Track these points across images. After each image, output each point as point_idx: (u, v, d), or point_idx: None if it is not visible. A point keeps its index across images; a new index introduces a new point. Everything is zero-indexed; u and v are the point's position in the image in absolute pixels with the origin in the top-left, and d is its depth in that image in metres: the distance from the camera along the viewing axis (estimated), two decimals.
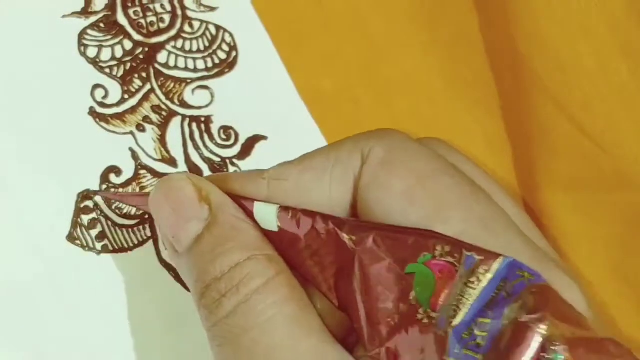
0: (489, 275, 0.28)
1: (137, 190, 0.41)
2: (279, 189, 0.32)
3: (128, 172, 0.42)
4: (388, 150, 0.32)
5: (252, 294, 0.30)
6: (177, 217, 0.32)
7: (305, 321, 0.30)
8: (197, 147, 0.42)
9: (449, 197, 0.30)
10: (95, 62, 0.42)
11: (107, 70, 0.42)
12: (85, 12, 0.43)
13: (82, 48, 0.42)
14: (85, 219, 0.41)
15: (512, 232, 0.31)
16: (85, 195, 0.41)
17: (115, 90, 0.42)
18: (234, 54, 0.44)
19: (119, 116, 0.42)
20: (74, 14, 0.43)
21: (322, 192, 0.32)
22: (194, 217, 0.32)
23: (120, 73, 0.43)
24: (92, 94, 0.42)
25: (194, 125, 0.43)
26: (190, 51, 0.43)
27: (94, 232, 0.41)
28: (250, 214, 0.33)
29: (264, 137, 0.43)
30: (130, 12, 0.43)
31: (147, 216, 0.41)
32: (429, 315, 0.28)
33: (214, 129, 0.43)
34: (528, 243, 0.31)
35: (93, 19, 0.43)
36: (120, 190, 0.41)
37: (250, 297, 0.30)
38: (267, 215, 0.32)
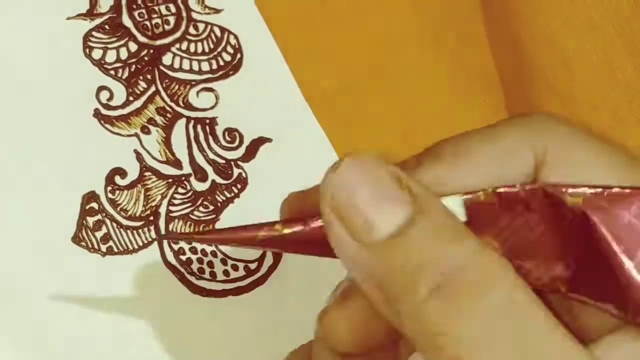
0: None
1: (142, 192, 0.41)
2: (439, 190, 0.28)
3: (133, 174, 0.42)
4: (568, 148, 0.28)
5: (512, 288, 0.26)
6: (375, 199, 0.27)
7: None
8: (201, 149, 0.42)
9: None
10: (100, 64, 0.42)
11: (112, 72, 0.42)
12: (90, 14, 0.43)
13: (87, 50, 0.43)
14: (91, 220, 0.41)
15: None
16: (90, 196, 0.41)
17: (120, 92, 0.42)
18: (238, 56, 0.44)
19: (124, 118, 0.42)
20: (79, 15, 0.43)
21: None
22: (400, 201, 0.27)
23: (125, 75, 0.43)
24: (97, 95, 0.42)
25: (199, 127, 0.43)
26: (195, 53, 0.44)
27: (99, 234, 0.40)
28: None
29: (268, 139, 0.43)
30: (136, 14, 0.43)
31: (151, 218, 0.41)
32: None
33: (219, 131, 0.43)
34: None
35: (98, 21, 0.43)
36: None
37: (511, 291, 0.25)
38: (451, 208, 0.27)
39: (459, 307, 0.25)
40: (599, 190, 0.26)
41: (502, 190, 0.27)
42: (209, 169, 0.42)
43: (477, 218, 0.27)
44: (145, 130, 0.42)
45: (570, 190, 0.26)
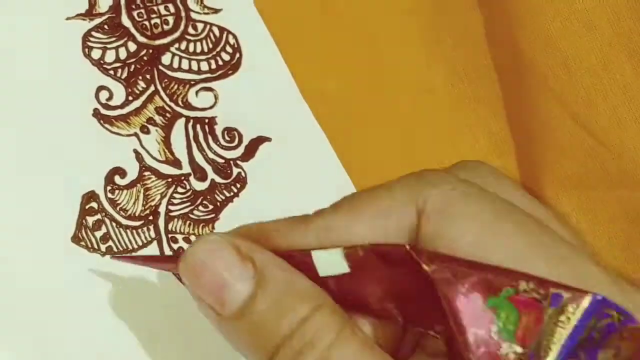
0: (578, 315, 0.28)
1: (142, 191, 0.41)
2: (328, 240, 0.31)
3: (132, 173, 0.42)
4: (444, 200, 0.31)
5: (330, 348, 0.29)
6: (219, 281, 0.30)
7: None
8: (201, 149, 0.43)
9: (522, 239, 0.30)
10: (99, 63, 0.43)
11: (112, 72, 0.43)
12: (89, 14, 0.43)
13: (87, 50, 0.43)
14: (90, 220, 0.41)
15: (590, 264, 0.30)
16: (90, 196, 0.41)
17: (119, 92, 0.42)
18: (237, 55, 0.44)
19: (123, 118, 0.42)
20: (78, 15, 0.43)
21: (374, 241, 0.31)
22: (240, 277, 0.30)
23: (125, 75, 0.43)
24: (96, 95, 0.42)
25: (198, 126, 0.43)
26: (194, 53, 0.44)
27: (99, 234, 0.41)
28: (299, 267, 0.31)
29: (267, 139, 0.43)
30: (135, 14, 0.43)
31: (151, 217, 0.41)
32: (515, 351, 0.28)
33: (218, 130, 0.43)
34: (606, 273, 0.30)
35: (97, 21, 0.43)
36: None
37: (329, 351, 0.29)
38: (333, 260, 0.30)
39: None
40: (445, 264, 0.29)
41: (374, 245, 0.30)
42: (208, 169, 0.42)
43: (361, 268, 0.30)
44: (144, 129, 0.42)
45: (423, 258, 0.29)
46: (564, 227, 0.33)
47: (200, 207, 0.42)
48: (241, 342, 0.31)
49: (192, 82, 0.43)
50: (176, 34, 0.44)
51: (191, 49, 0.44)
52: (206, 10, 0.44)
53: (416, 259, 0.29)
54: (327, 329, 0.29)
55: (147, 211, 0.41)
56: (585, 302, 0.28)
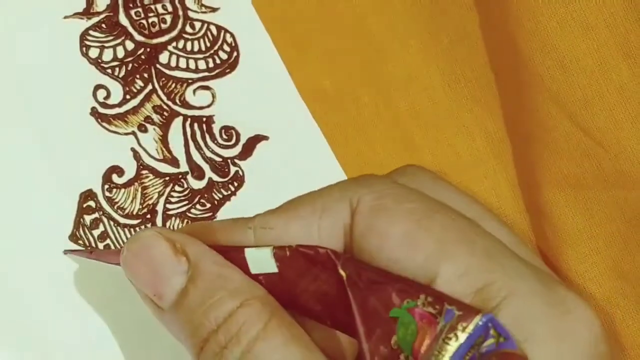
0: (465, 334, 0.28)
1: (139, 190, 0.42)
2: (265, 238, 0.32)
3: (130, 172, 0.42)
4: (377, 197, 0.31)
5: (255, 341, 0.30)
6: (155, 275, 0.32)
7: (312, 356, 0.30)
8: (198, 147, 0.43)
9: (449, 234, 0.31)
10: (97, 62, 0.43)
11: (109, 71, 0.43)
12: (87, 13, 0.43)
13: (84, 49, 0.43)
14: (88, 218, 0.41)
15: (515, 260, 0.31)
16: (88, 195, 0.41)
17: (117, 91, 0.42)
18: (235, 54, 0.44)
19: (121, 116, 0.42)
20: (75, 14, 0.43)
21: (309, 241, 0.32)
22: (173, 272, 0.31)
23: (122, 74, 0.43)
24: (94, 94, 0.42)
25: (196, 125, 0.43)
26: (192, 51, 0.44)
27: (97, 232, 0.41)
28: (236, 262, 0.32)
29: (265, 137, 0.43)
30: (132, 12, 0.43)
31: (149, 216, 0.41)
32: None
33: (216, 129, 0.43)
34: (532, 268, 0.31)
35: (95, 19, 0.43)
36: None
37: (254, 344, 0.30)
38: (262, 258, 0.31)
39: None
40: (360, 271, 0.30)
41: (300, 246, 0.31)
42: (205, 167, 0.43)
43: (289, 269, 0.31)
44: (142, 128, 0.42)
45: (339, 264, 0.30)
46: (499, 225, 0.34)
47: (198, 206, 0.42)
48: (178, 334, 0.32)
49: (190, 81, 0.43)
50: (174, 33, 0.44)
51: (189, 47, 0.44)
52: (204, 9, 0.44)
53: (334, 261, 0.30)
54: (253, 322, 0.30)
55: (145, 210, 0.41)
56: (475, 320, 0.28)
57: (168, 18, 0.44)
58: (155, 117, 0.43)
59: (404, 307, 0.29)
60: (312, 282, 0.31)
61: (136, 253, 0.32)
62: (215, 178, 0.42)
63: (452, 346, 0.28)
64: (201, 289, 0.31)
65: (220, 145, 0.43)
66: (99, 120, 0.42)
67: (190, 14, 0.44)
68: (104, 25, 0.43)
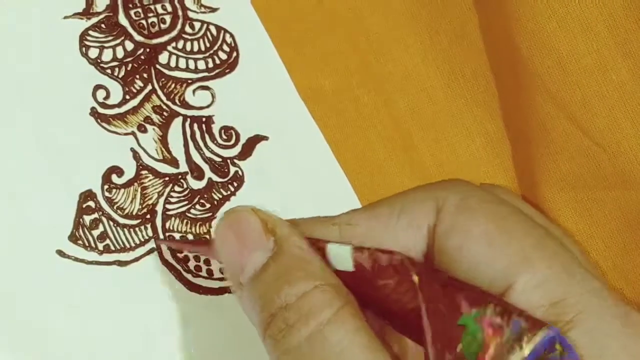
0: (530, 346, 0.28)
1: (139, 190, 0.42)
2: (350, 234, 0.33)
3: (129, 172, 0.42)
4: (462, 198, 0.32)
5: (325, 324, 0.30)
6: (242, 248, 0.32)
7: (379, 350, 0.30)
8: (198, 148, 0.43)
9: (528, 240, 0.31)
10: (96, 62, 0.43)
11: (109, 71, 0.43)
12: (86, 13, 0.43)
13: (84, 49, 0.43)
14: (87, 219, 0.41)
15: (590, 276, 0.31)
16: (87, 195, 0.41)
17: (116, 91, 0.42)
18: (234, 54, 0.44)
19: (121, 117, 0.42)
20: (75, 15, 0.43)
21: (390, 241, 0.33)
22: (260, 247, 0.32)
23: (122, 74, 0.43)
24: (93, 94, 0.42)
25: (195, 125, 0.43)
26: (191, 52, 0.44)
27: (96, 232, 0.41)
28: (320, 255, 0.33)
29: (264, 137, 0.43)
30: (132, 13, 0.43)
31: (148, 216, 0.41)
32: None
33: (215, 129, 0.43)
34: (605, 286, 0.31)
35: (94, 20, 0.43)
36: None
37: (323, 327, 0.30)
38: (342, 255, 0.32)
39: (280, 346, 0.31)
40: (431, 278, 0.30)
41: (377, 250, 0.31)
42: (205, 167, 0.43)
43: (365, 270, 0.31)
44: (141, 128, 0.42)
45: (413, 270, 0.30)
46: (574, 242, 0.36)
47: (198, 206, 0.42)
48: (250, 310, 0.32)
49: (189, 81, 0.43)
50: (173, 33, 0.44)
51: (188, 47, 0.44)
52: (203, 9, 0.44)
53: (408, 267, 0.30)
54: (325, 306, 0.30)
55: (145, 210, 0.41)
56: (540, 334, 0.29)
57: (167, 18, 0.44)
58: (155, 118, 0.43)
59: (473, 315, 0.29)
60: (385, 285, 0.31)
61: (229, 224, 0.33)
62: (215, 178, 0.43)
63: (517, 357, 0.28)
64: (280, 266, 0.32)
65: (219, 146, 0.43)
66: (99, 120, 0.42)
67: (190, 14, 0.44)
68: (103, 26, 0.43)
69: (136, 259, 0.41)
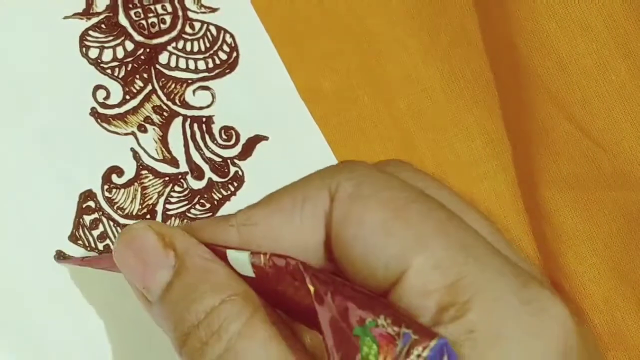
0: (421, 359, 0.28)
1: (139, 190, 0.42)
2: (249, 234, 0.32)
3: (129, 172, 0.42)
4: (356, 184, 0.31)
5: (235, 338, 0.30)
6: (144, 267, 0.32)
7: (289, 357, 0.30)
8: (198, 148, 0.43)
9: (426, 225, 0.30)
10: (96, 63, 0.43)
11: (109, 71, 0.43)
12: (86, 13, 0.43)
13: (84, 49, 0.43)
14: (87, 219, 0.41)
15: (491, 254, 0.30)
16: (87, 195, 0.41)
17: (116, 91, 0.43)
18: (234, 54, 0.44)
19: (121, 117, 0.42)
20: (75, 15, 0.43)
21: (293, 234, 0.31)
22: (161, 265, 0.31)
23: (122, 74, 0.43)
24: (93, 94, 0.42)
25: (195, 125, 0.43)
26: (192, 52, 0.44)
27: (96, 233, 0.41)
28: (224, 259, 0.32)
29: (265, 138, 0.43)
30: (132, 13, 0.43)
31: (148, 216, 0.41)
32: None
33: (215, 129, 0.43)
34: (508, 263, 0.31)
35: (94, 20, 0.43)
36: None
37: (235, 342, 0.30)
38: (242, 261, 0.31)
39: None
40: (327, 286, 0.29)
41: (273, 254, 0.30)
42: (205, 167, 0.43)
43: (265, 274, 0.31)
44: (141, 128, 0.42)
45: (307, 278, 0.29)
46: (479, 217, 0.34)
47: (198, 206, 0.42)
48: (164, 327, 0.32)
49: (190, 81, 0.43)
50: (173, 33, 0.44)
51: (188, 48, 0.44)
52: (203, 9, 0.44)
53: (302, 273, 0.29)
54: (235, 319, 0.30)
55: (145, 210, 0.42)
56: (430, 345, 0.28)
57: (168, 18, 0.44)
58: (155, 118, 0.43)
59: (366, 326, 0.29)
60: (288, 287, 0.31)
61: (126, 245, 0.32)
62: (215, 178, 0.43)
63: None
64: (185, 283, 0.31)
65: (219, 146, 0.43)
66: (99, 120, 0.42)
67: (190, 15, 0.44)
68: (103, 26, 0.43)
69: None
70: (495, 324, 0.29)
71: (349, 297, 0.29)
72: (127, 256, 0.32)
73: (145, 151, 0.42)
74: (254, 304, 0.31)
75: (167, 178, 0.42)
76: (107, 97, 0.42)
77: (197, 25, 0.44)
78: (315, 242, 0.31)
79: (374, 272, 0.30)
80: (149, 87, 0.43)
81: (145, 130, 0.42)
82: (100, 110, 0.42)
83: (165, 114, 0.43)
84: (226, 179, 0.43)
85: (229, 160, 0.43)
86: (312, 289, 0.29)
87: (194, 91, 0.43)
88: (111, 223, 0.41)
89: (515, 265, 0.31)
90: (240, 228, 0.32)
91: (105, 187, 0.41)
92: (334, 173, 0.32)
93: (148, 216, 0.41)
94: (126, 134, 0.42)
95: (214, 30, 0.44)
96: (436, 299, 0.29)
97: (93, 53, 0.43)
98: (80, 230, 0.41)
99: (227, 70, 0.44)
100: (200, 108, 0.43)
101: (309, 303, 0.30)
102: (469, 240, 0.30)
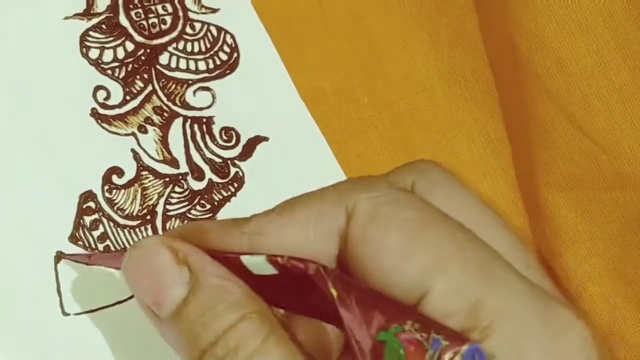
0: None
1: (139, 191, 0.42)
2: (260, 244, 0.32)
3: (130, 173, 0.42)
4: (374, 204, 0.31)
5: (252, 356, 0.29)
6: (157, 284, 0.31)
7: None
8: (198, 148, 0.43)
9: (444, 248, 0.30)
10: (97, 63, 0.43)
11: (109, 72, 0.43)
12: (87, 13, 0.43)
13: (84, 49, 0.43)
14: (88, 219, 0.41)
15: (512, 277, 0.30)
16: (87, 196, 0.41)
17: (117, 92, 0.43)
18: (235, 55, 0.44)
19: (121, 117, 0.42)
20: (76, 15, 0.43)
21: (306, 247, 0.31)
22: (175, 281, 0.31)
23: (122, 74, 0.43)
24: (94, 95, 0.42)
25: (196, 126, 0.43)
26: (192, 52, 0.44)
27: (96, 233, 0.41)
28: (232, 265, 0.32)
29: (265, 138, 0.43)
30: (132, 13, 0.43)
31: (148, 217, 0.41)
32: None
33: (216, 130, 0.43)
34: (529, 285, 0.30)
35: (95, 20, 0.43)
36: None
37: (251, 359, 0.30)
38: (259, 264, 0.31)
39: None
40: (350, 290, 0.29)
41: (292, 257, 0.30)
42: (205, 168, 0.43)
43: (283, 275, 0.30)
44: (142, 129, 0.42)
45: (331, 281, 0.29)
46: (501, 231, 0.33)
47: (198, 207, 0.42)
48: (175, 344, 0.32)
49: (190, 82, 0.43)
50: (174, 34, 0.44)
51: (189, 48, 0.44)
52: (204, 10, 0.44)
53: (325, 278, 0.29)
54: (252, 337, 0.30)
55: (145, 211, 0.42)
56: (462, 351, 0.28)
57: (168, 19, 0.44)
58: (155, 118, 0.43)
59: (392, 331, 0.29)
60: (305, 289, 0.30)
61: (138, 260, 0.32)
62: (215, 179, 0.43)
63: None
64: (201, 301, 0.31)
65: (220, 146, 0.43)
66: (99, 121, 0.42)
67: (191, 15, 0.44)
68: (104, 26, 0.43)
69: None
70: (516, 349, 0.29)
71: (373, 303, 0.29)
72: (138, 272, 0.32)
73: (145, 152, 0.42)
74: (270, 322, 0.30)
75: (167, 179, 0.42)
76: (108, 97, 0.42)
77: (198, 25, 0.44)
78: (328, 257, 0.31)
79: (392, 292, 0.30)
80: (150, 88, 0.43)
81: (145, 131, 0.42)
82: (101, 110, 0.42)
83: (165, 114, 0.43)
84: (226, 180, 0.43)
85: (229, 161, 0.43)
86: (334, 293, 0.29)
87: (194, 92, 0.43)
88: (111, 224, 0.41)
89: (535, 287, 0.31)
90: (252, 237, 0.32)
91: (106, 187, 0.41)
92: (351, 189, 0.31)
93: (148, 217, 0.41)
94: (126, 135, 0.42)
95: (214, 31, 0.44)
96: (456, 323, 0.29)
97: (93, 54, 0.43)
98: (81, 231, 0.41)
99: (228, 71, 0.44)
100: (201, 109, 0.43)
101: (328, 306, 0.29)
102: (489, 263, 0.30)
